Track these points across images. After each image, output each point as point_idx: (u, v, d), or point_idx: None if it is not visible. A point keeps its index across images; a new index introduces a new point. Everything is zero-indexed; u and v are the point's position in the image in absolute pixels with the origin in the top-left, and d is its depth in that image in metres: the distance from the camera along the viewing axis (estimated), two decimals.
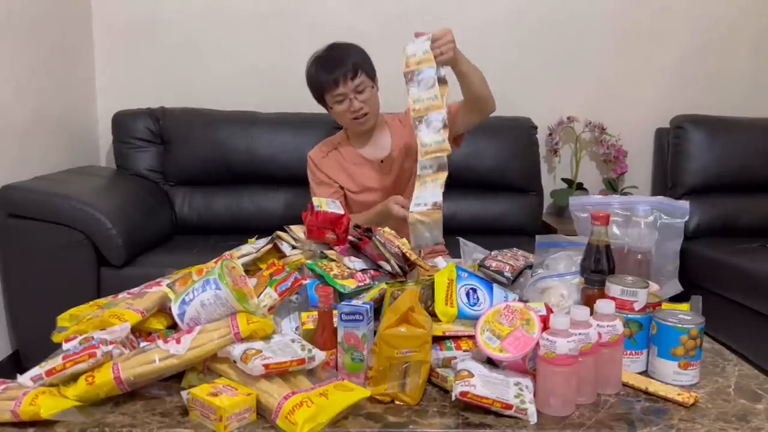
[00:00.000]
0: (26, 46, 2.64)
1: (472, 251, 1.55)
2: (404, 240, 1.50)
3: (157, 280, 1.34)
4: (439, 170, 1.67)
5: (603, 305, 1.16)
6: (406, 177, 2.10)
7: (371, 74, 2.03)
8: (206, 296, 1.12)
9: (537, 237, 1.61)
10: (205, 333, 1.09)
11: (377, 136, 2.13)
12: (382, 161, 2.10)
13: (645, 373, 1.23)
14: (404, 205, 1.80)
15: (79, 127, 3.10)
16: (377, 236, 1.41)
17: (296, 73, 3.23)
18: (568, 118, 3.27)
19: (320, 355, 1.09)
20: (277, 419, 0.98)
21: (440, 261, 1.51)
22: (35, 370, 1.06)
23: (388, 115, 2.19)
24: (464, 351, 1.18)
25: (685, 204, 1.58)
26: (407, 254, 1.41)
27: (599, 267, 1.35)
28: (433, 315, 1.23)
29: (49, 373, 1.04)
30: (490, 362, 1.14)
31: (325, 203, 1.50)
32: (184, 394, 1.03)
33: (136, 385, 1.07)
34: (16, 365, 2.43)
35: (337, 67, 1.96)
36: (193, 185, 3.01)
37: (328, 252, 1.43)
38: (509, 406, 1.03)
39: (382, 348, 1.08)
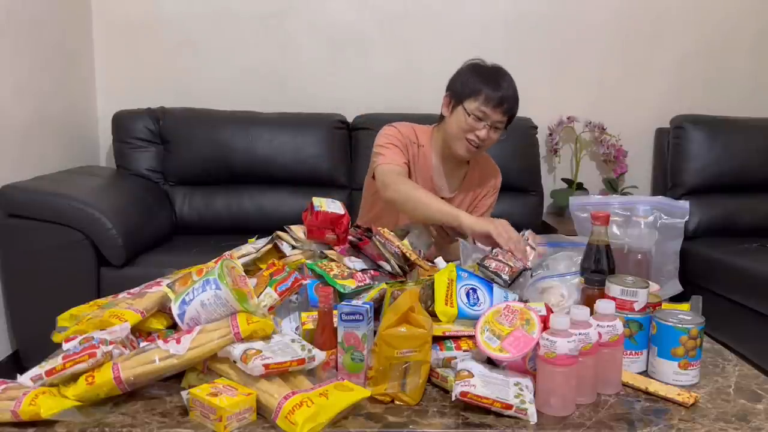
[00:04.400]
0: (26, 46, 2.64)
1: (471, 251, 1.54)
2: (404, 240, 1.49)
3: (157, 280, 1.34)
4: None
5: (603, 305, 1.16)
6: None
7: (510, 122, 1.90)
8: (206, 296, 1.12)
9: None
10: (205, 333, 1.09)
11: (457, 170, 2.00)
12: (441, 198, 1.90)
13: (645, 373, 1.23)
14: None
15: (79, 127, 3.10)
16: (377, 236, 1.41)
17: (296, 73, 3.27)
18: (568, 118, 3.27)
19: (320, 355, 1.09)
20: (277, 419, 0.98)
21: (440, 261, 1.51)
22: (35, 370, 1.06)
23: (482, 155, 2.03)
24: (464, 351, 1.18)
25: (685, 204, 1.58)
26: (407, 254, 1.41)
27: (599, 267, 1.35)
28: (433, 315, 1.23)
29: (49, 373, 1.04)
30: (490, 362, 1.14)
31: (326, 203, 1.49)
32: (184, 394, 1.03)
33: (136, 385, 1.07)
34: (16, 365, 2.43)
35: (506, 94, 1.83)
36: (193, 185, 3.01)
37: (328, 252, 1.43)
38: (509, 406, 1.03)
39: (382, 348, 1.08)
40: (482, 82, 1.83)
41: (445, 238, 1.66)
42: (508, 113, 1.84)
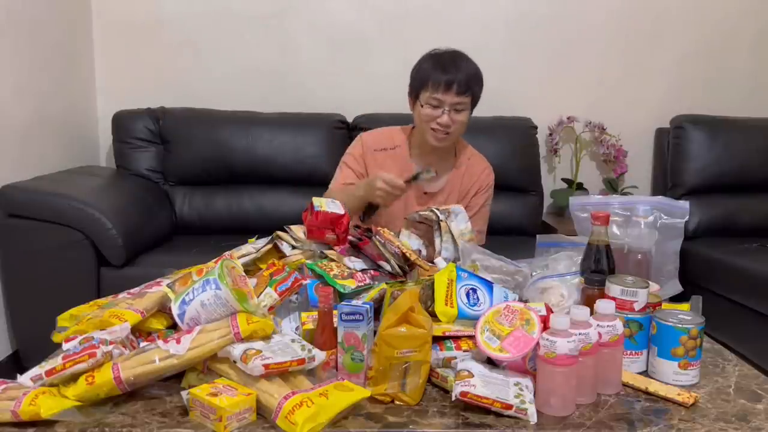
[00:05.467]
0: (26, 46, 2.64)
1: (470, 251, 1.54)
2: (404, 240, 1.49)
3: (157, 280, 1.34)
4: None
5: (603, 305, 1.16)
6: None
7: (476, 100, 1.89)
8: (206, 296, 1.12)
9: (537, 237, 1.61)
10: (205, 333, 1.09)
11: (441, 165, 1.96)
12: (425, 193, 1.96)
13: (645, 373, 1.23)
14: (391, 182, 1.71)
15: (79, 127, 3.10)
16: (377, 236, 1.41)
17: (296, 73, 3.27)
18: (568, 118, 3.27)
19: (320, 355, 1.09)
20: (277, 419, 0.98)
21: (440, 261, 1.51)
22: (35, 370, 1.06)
23: (465, 146, 2.03)
24: (464, 351, 1.18)
25: (685, 204, 1.59)
26: (407, 254, 1.41)
27: (599, 267, 1.35)
28: (433, 315, 1.23)
29: (49, 373, 1.04)
30: (490, 362, 1.14)
31: (325, 203, 1.50)
32: (184, 394, 1.03)
33: (136, 385, 1.07)
34: (16, 365, 2.43)
35: (454, 72, 1.81)
36: (193, 185, 3.01)
37: (328, 252, 1.43)
38: (509, 406, 1.03)
39: (382, 348, 1.08)
40: (431, 69, 1.84)
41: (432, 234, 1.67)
42: (463, 94, 1.82)
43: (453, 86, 1.80)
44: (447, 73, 1.81)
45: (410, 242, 1.62)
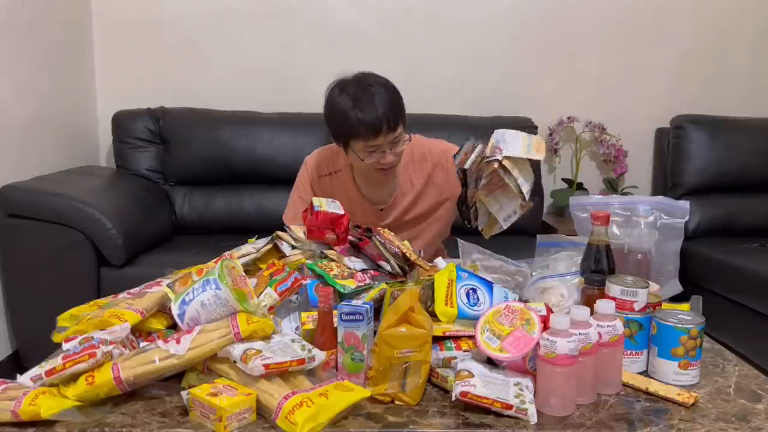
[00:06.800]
0: (26, 46, 2.64)
1: (470, 251, 1.54)
2: (405, 240, 1.49)
3: (157, 280, 1.34)
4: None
5: (603, 305, 1.16)
6: (404, 223, 1.90)
7: (405, 120, 1.75)
8: (206, 296, 1.12)
9: (537, 237, 1.61)
10: (205, 333, 1.09)
11: (384, 177, 1.85)
12: (381, 209, 1.89)
13: (645, 373, 1.23)
14: None
15: (79, 127, 3.10)
16: (377, 236, 1.41)
17: (296, 73, 3.27)
18: (568, 118, 3.27)
19: (320, 355, 1.09)
20: (277, 419, 0.98)
21: (440, 261, 1.50)
22: (35, 370, 1.06)
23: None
24: (464, 351, 1.18)
25: (685, 204, 1.58)
26: (407, 254, 1.41)
27: (599, 267, 1.35)
28: (433, 315, 1.23)
29: (49, 373, 1.04)
30: (490, 362, 1.14)
31: (325, 203, 1.49)
32: (184, 394, 1.03)
33: (136, 385, 1.07)
34: (16, 365, 2.43)
35: (374, 111, 1.67)
36: (193, 185, 3.01)
37: (328, 252, 1.43)
38: (509, 406, 1.03)
39: (382, 348, 1.08)
40: (349, 114, 1.69)
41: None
42: (394, 127, 1.69)
43: (382, 128, 1.67)
44: (368, 113, 1.67)
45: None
